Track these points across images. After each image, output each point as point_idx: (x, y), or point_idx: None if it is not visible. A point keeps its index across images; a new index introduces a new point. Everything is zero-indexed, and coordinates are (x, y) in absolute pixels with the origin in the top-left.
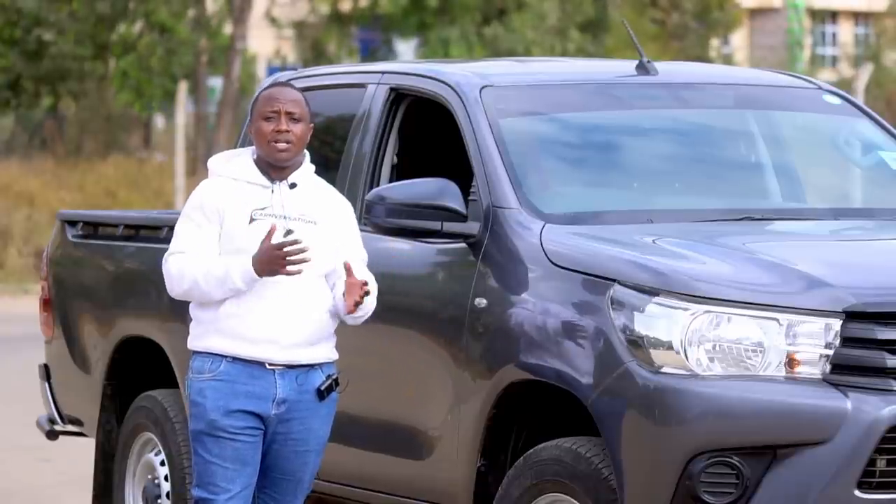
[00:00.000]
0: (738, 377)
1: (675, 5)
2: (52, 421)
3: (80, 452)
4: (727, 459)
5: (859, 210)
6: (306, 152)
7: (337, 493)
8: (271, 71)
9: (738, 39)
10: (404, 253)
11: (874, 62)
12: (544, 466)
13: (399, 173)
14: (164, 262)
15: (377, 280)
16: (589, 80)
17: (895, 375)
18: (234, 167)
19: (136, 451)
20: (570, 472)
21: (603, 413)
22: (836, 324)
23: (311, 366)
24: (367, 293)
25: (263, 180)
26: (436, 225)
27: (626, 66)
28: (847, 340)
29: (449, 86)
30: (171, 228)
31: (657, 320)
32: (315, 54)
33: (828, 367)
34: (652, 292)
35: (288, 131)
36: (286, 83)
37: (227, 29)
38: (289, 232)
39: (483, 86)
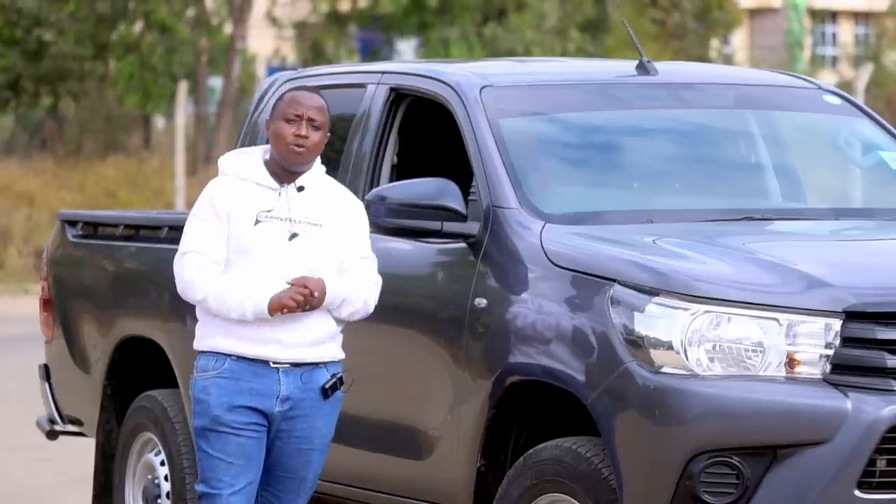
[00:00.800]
0: (738, 377)
1: (675, 5)
2: (52, 421)
3: (80, 452)
4: (727, 459)
5: (859, 210)
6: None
7: (337, 493)
8: (271, 71)
9: (738, 39)
10: (404, 253)
11: (874, 62)
12: (544, 466)
13: (399, 173)
14: (176, 260)
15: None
16: (589, 80)
17: (895, 375)
18: (243, 167)
19: (136, 451)
20: (570, 472)
21: (603, 413)
22: (836, 324)
23: (316, 364)
24: (309, 295)
25: (272, 182)
26: (436, 225)
27: (626, 66)
28: (847, 340)
29: (449, 86)
30: (172, 228)
31: (657, 320)
32: (315, 54)
33: (828, 367)
34: (652, 292)
35: (307, 137)
36: (313, 88)
37: (227, 29)
38: (293, 235)
39: (483, 86)
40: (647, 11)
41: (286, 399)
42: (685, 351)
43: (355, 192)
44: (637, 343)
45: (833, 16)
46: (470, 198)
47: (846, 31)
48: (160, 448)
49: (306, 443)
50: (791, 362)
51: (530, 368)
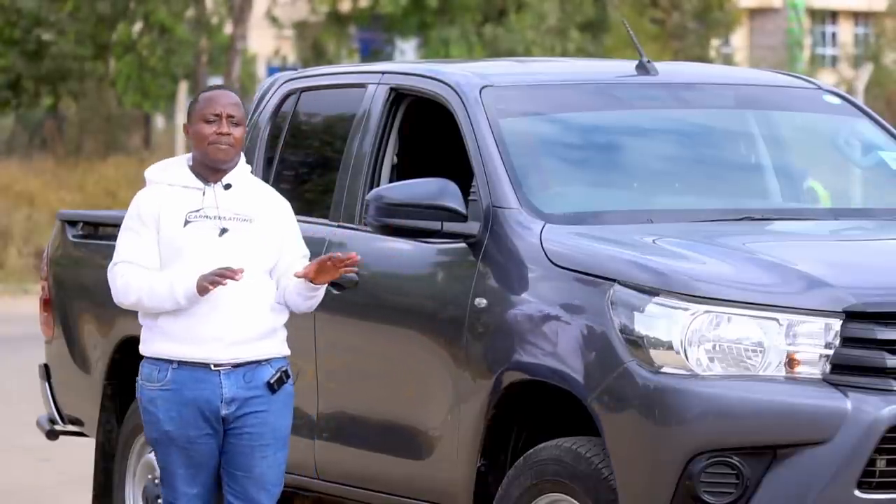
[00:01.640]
0: (738, 377)
1: (675, 5)
2: (52, 421)
3: (80, 452)
4: (727, 459)
5: (859, 210)
6: (242, 153)
7: (337, 493)
8: (271, 71)
9: (738, 39)
10: (404, 253)
11: (874, 62)
12: (544, 466)
13: (399, 173)
14: (108, 272)
15: (378, 279)
16: (589, 80)
17: (895, 375)
18: (169, 174)
19: (136, 451)
20: (570, 472)
21: (603, 413)
22: (836, 324)
23: (258, 362)
24: (352, 263)
25: (198, 183)
26: (436, 225)
27: (626, 66)
28: (847, 340)
29: (449, 86)
30: None
31: (657, 320)
32: (315, 54)
33: (828, 367)
34: (652, 292)
35: (229, 134)
36: (225, 87)
37: (227, 29)
38: (223, 231)
39: (483, 86)
40: (647, 11)
41: (231, 401)
42: (685, 351)
43: (355, 191)
44: (637, 343)
45: (833, 16)
46: (470, 198)
47: (846, 31)
48: None
49: (258, 439)
50: (791, 362)
51: (530, 368)
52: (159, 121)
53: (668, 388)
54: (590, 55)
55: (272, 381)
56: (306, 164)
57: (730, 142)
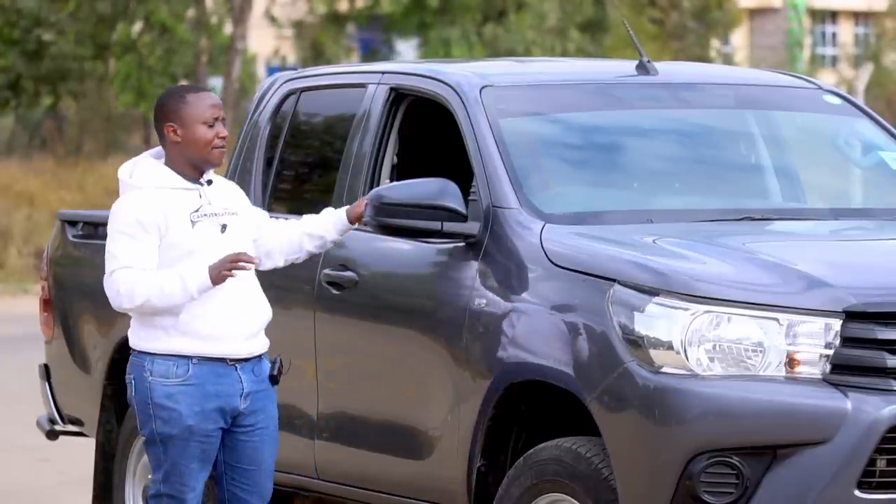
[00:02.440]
0: (738, 377)
1: (674, 5)
2: (52, 421)
3: (80, 452)
4: (727, 459)
5: (859, 210)
6: None
7: (337, 493)
8: (271, 71)
9: (738, 39)
10: (404, 253)
11: (874, 62)
12: (544, 466)
13: (399, 173)
14: (106, 280)
15: (378, 279)
16: (589, 80)
17: (895, 375)
18: (153, 176)
19: (136, 451)
20: (570, 472)
21: (603, 413)
22: (836, 324)
23: (260, 356)
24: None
25: (187, 183)
26: (436, 225)
27: (626, 66)
28: (847, 340)
29: (449, 86)
30: None
31: (657, 320)
32: (315, 54)
33: (828, 367)
34: (652, 292)
35: (226, 136)
36: (200, 86)
37: (227, 29)
38: (224, 227)
39: (483, 86)
40: (646, 11)
41: (248, 395)
42: (685, 351)
43: (355, 191)
44: (637, 343)
45: (833, 16)
46: (470, 198)
47: (846, 31)
48: None
49: (269, 432)
50: (791, 362)
51: (530, 368)
52: None
53: (668, 388)
54: (590, 55)
55: (274, 374)
56: (306, 164)
57: (730, 142)
